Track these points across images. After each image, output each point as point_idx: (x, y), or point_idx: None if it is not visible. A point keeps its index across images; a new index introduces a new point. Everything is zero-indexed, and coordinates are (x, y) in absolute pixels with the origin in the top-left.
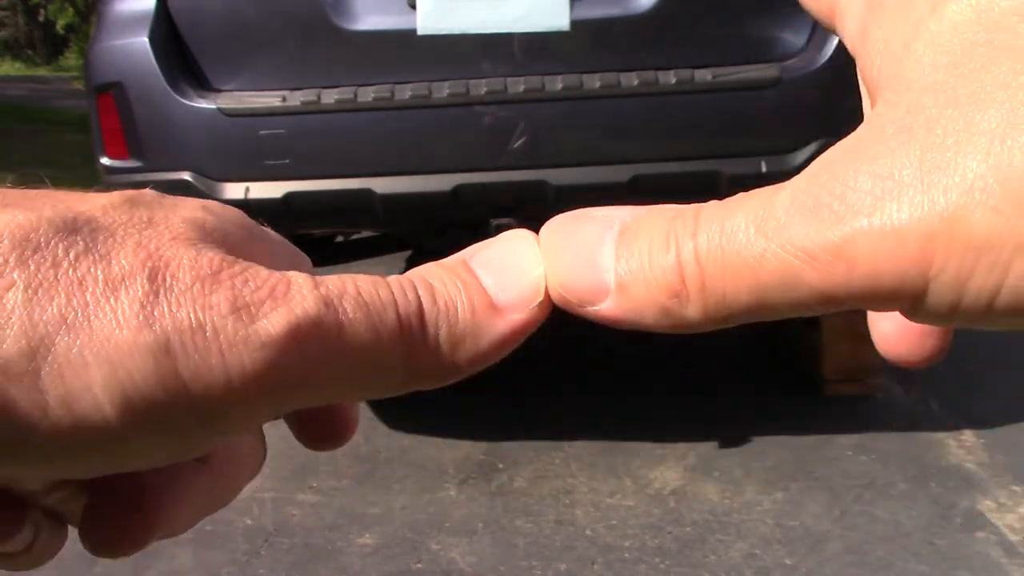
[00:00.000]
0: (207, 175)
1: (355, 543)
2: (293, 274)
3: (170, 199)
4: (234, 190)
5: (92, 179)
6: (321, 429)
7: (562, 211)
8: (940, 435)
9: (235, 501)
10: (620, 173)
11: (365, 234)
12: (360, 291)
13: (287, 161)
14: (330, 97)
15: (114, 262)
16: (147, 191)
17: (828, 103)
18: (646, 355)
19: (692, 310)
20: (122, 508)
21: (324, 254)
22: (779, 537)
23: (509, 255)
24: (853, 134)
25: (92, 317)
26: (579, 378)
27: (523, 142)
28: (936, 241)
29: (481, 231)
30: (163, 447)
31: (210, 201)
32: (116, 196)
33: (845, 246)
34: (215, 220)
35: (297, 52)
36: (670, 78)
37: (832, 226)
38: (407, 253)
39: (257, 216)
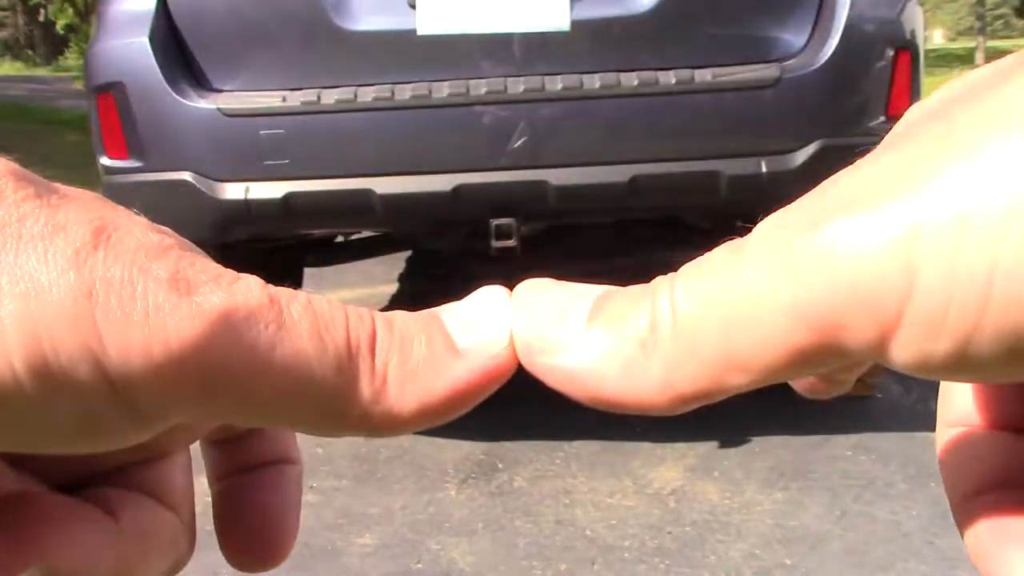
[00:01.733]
0: (207, 175)
1: (355, 543)
2: (244, 275)
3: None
4: (234, 190)
5: (92, 179)
6: (250, 537)
7: (562, 211)
8: None
9: None
10: (620, 173)
11: (365, 234)
12: (312, 300)
13: (287, 161)
14: (330, 97)
15: (61, 212)
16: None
17: (828, 103)
18: None
19: (655, 362)
20: None
21: (324, 254)
22: (779, 537)
23: (477, 306)
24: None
25: (19, 249)
26: None
27: (523, 142)
28: (916, 239)
29: (481, 231)
30: (73, 415)
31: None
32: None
33: (825, 242)
34: (170, 233)
35: (297, 52)
36: (670, 78)
37: (811, 225)
38: (407, 253)
39: (257, 216)
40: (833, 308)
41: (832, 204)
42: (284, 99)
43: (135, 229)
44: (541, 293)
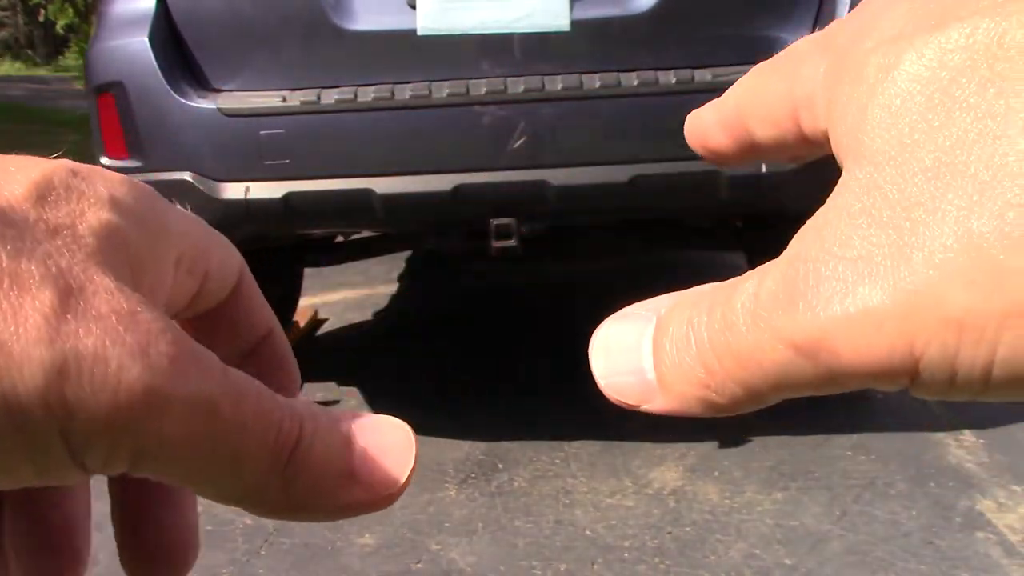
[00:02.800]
0: (207, 175)
1: (355, 543)
2: (203, 351)
3: (79, 189)
4: (234, 190)
5: None
6: (150, 555)
7: (562, 211)
8: (940, 435)
9: None
10: (620, 173)
11: (365, 234)
12: (260, 397)
13: (287, 161)
14: (330, 97)
15: (23, 265)
16: (59, 170)
17: None
18: None
19: (725, 399)
20: None
21: (324, 254)
22: (779, 537)
23: (384, 438)
24: (821, 210)
25: None
26: (579, 378)
27: (523, 142)
28: (913, 321)
29: (481, 231)
30: (23, 466)
31: (122, 188)
32: (27, 185)
33: (824, 337)
34: (127, 228)
35: (297, 52)
36: (670, 78)
37: (809, 318)
38: (407, 253)
39: (257, 216)
40: (854, 378)
41: (828, 289)
42: (284, 99)
43: (100, 286)
44: (612, 335)
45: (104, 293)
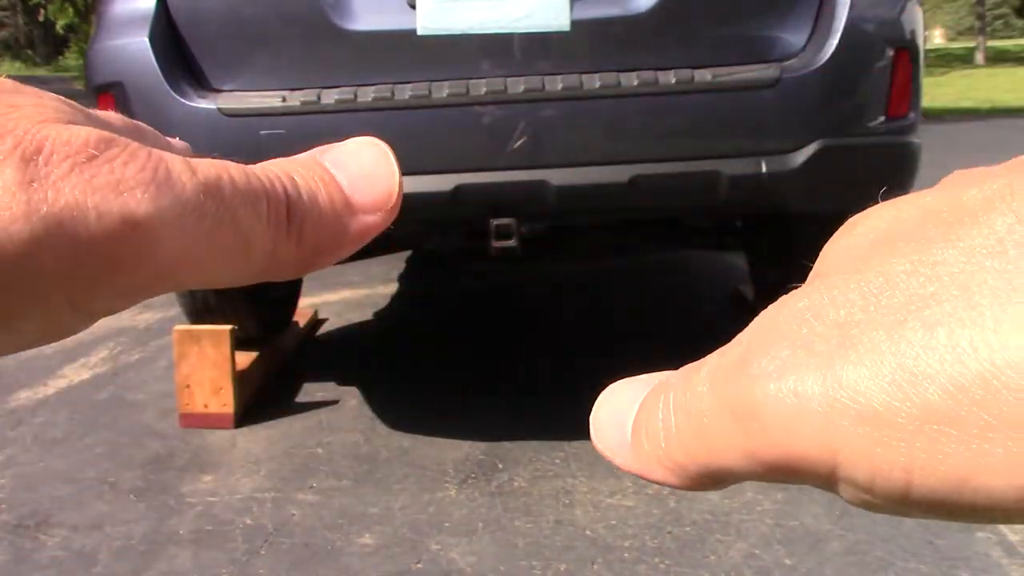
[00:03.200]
0: None
1: (355, 543)
2: (170, 158)
3: (31, 87)
4: None
5: None
6: None
7: (562, 211)
8: None
9: (235, 501)
10: (620, 173)
11: None
12: (234, 179)
13: None
14: (330, 97)
15: None
16: (4, 80)
17: (828, 103)
18: (646, 354)
19: (677, 469)
20: None
21: None
22: (779, 537)
23: (365, 160)
24: (783, 298)
25: None
26: (579, 378)
27: (523, 142)
28: (835, 411)
29: (481, 231)
30: (32, 320)
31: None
32: None
33: (755, 408)
34: (80, 108)
35: (297, 52)
36: (670, 78)
37: (745, 384)
38: (407, 253)
39: None
40: (780, 461)
41: (770, 365)
42: (284, 99)
43: (57, 138)
44: (615, 391)
45: (62, 146)
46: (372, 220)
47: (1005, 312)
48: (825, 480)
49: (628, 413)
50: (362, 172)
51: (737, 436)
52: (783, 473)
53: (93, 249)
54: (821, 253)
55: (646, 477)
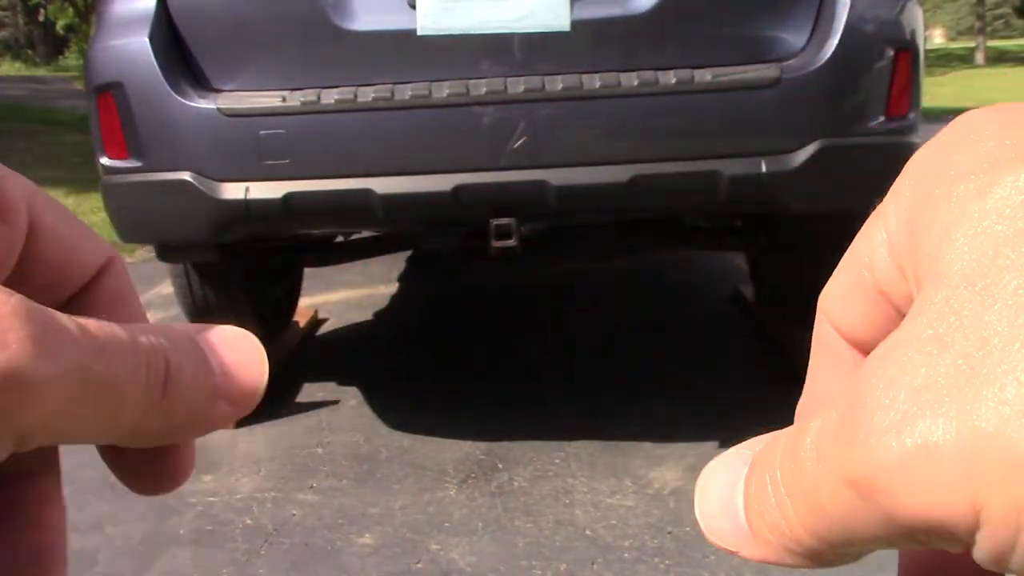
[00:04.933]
0: (207, 175)
1: (355, 543)
2: (56, 316)
3: None
4: (234, 190)
5: (92, 179)
6: (151, 468)
7: (562, 211)
8: None
9: (235, 501)
10: (620, 173)
11: (365, 234)
12: (122, 341)
13: (287, 161)
14: (330, 97)
15: None
16: None
17: (828, 103)
18: (646, 354)
19: (802, 549)
20: None
21: (324, 254)
22: None
23: (235, 349)
24: (891, 335)
25: None
26: (579, 378)
27: (523, 142)
28: (978, 462)
29: (481, 231)
30: None
31: None
32: None
33: (878, 475)
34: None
35: (297, 52)
36: (670, 78)
37: (862, 452)
38: (407, 253)
39: (257, 216)
40: (920, 527)
41: (886, 420)
42: (284, 99)
43: None
44: (714, 475)
45: None
46: (233, 411)
47: None
48: (964, 541)
49: (735, 498)
50: (234, 361)
51: (864, 511)
52: (924, 537)
53: None
54: (942, 228)
55: (771, 561)
